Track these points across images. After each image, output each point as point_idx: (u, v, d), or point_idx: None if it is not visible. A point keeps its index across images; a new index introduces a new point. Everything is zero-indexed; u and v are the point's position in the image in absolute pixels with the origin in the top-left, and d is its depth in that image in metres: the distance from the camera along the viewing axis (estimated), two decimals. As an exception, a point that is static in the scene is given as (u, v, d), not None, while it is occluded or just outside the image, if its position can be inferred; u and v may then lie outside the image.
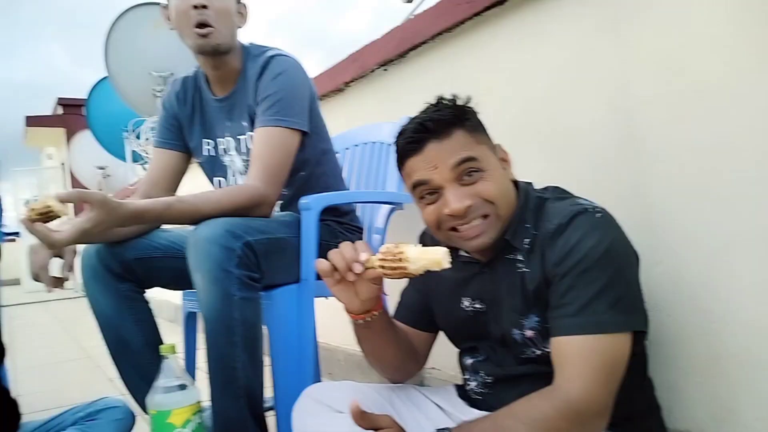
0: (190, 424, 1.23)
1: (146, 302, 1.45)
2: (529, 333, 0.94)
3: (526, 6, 1.40)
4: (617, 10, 1.20)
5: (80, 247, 1.32)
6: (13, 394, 1.29)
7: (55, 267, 1.28)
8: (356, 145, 1.89)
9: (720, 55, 1.04)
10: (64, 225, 1.18)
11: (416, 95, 1.77)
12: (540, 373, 0.92)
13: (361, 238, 1.64)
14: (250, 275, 1.23)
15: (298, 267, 1.38)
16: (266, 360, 1.31)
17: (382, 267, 0.87)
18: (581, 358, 0.84)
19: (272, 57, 1.44)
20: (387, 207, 1.67)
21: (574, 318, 0.86)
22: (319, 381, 1.38)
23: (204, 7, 1.37)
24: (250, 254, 1.23)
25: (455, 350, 1.14)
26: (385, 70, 1.90)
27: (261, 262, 1.26)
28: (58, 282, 1.28)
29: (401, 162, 0.99)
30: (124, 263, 1.38)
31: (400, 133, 0.98)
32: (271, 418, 1.33)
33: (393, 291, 1.24)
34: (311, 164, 1.53)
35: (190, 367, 1.70)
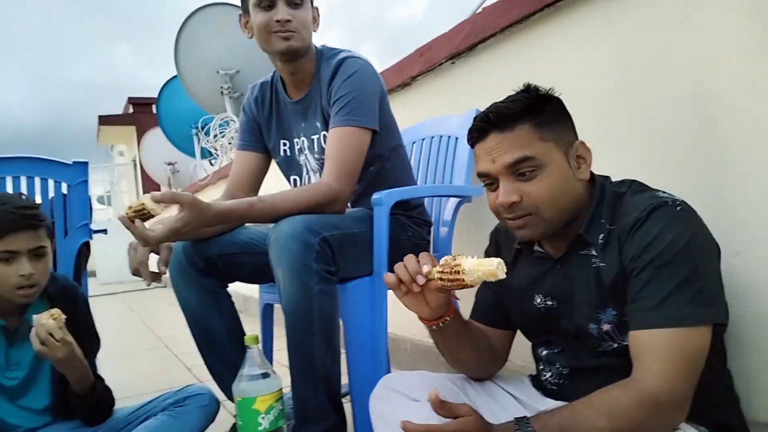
0: (273, 410, 1.30)
1: (229, 296, 1.53)
2: (606, 327, 0.95)
3: (597, -4, 1.39)
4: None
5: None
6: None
7: (152, 262, 1.37)
8: (423, 139, 1.92)
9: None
10: (156, 224, 1.27)
11: (485, 88, 1.79)
12: (617, 365, 0.92)
13: (429, 232, 1.66)
14: (327, 269, 1.29)
15: (371, 260, 1.42)
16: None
17: (441, 279, 0.90)
18: (661, 351, 0.84)
19: (344, 59, 1.49)
20: (455, 200, 1.69)
21: (654, 311, 0.86)
22: (389, 370, 1.42)
23: (288, 21, 1.44)
24: (326, 249, 1.28)
25: (525, 341, 1.15)
26: (453, 63, 1.91)
27: (336, 256, 1.31)
28: (156, 276, 1.37)
29: (472, 146, 1.02)
30: (208, 259, 1.45)
31: (474, 119, 1.01)
32: (347, 404, 1.38)
33: (466, 293, 1.26)
34: (381, 160, 1.57)
35: (267, 356, 1.78)
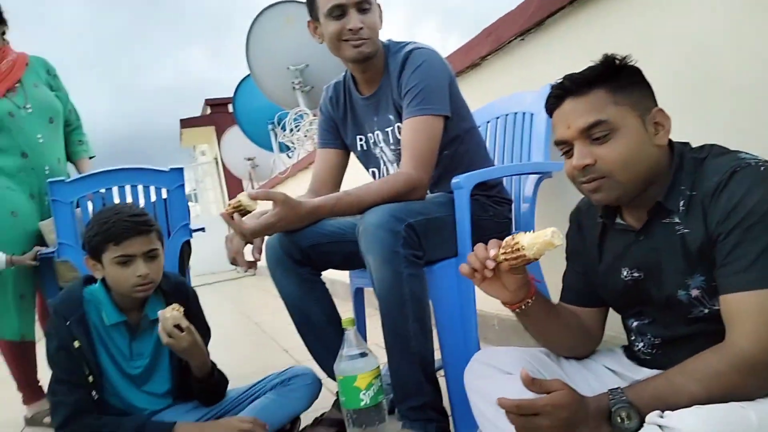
0: (373, 386, 1.38)
1: (323, 283, 1.62)
2: (695, 293, 0.95)
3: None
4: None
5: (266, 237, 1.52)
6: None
7: (248, 251, 1.49)
8: (497, 118, 1.93)
9: None
10: (252, 219, 1.38)
11: (556, 63, 1.78)
12: (710, 331, 0.92)
13: (510, 210, 1.69)
14: (415, 253, 1.35)
15: (455, 242, 1.47)
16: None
17: (506, 259, 0.96)
18: (753, 313, 0.84)
19: (410, 51, 1.54)
20: (535, 176, 1.70)
21: (744, 274, 0.86)
22: (479, 347, 1.47)
23: (360, 29, 1.49)
24: (412, 234, 1.35)
25: (614, 313, 1.16)
26: (522, 40, 1.91)
27: (422, 241, 1.37)
28: (251, 264, 1.49)
29: (549, 115, 1.05)
30: (302, 250, 1.55)
31: (551, 87, 1.03)
32: (441, 380, 1.44)
33: (554, 277, 1.28)
34: (455, 143, 1.60)
35: (361, 336, 1.87)
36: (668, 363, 0.92)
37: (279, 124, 5.55)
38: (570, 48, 1.73)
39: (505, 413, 0.88)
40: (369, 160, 1.72)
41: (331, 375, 1.53)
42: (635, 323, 1.09)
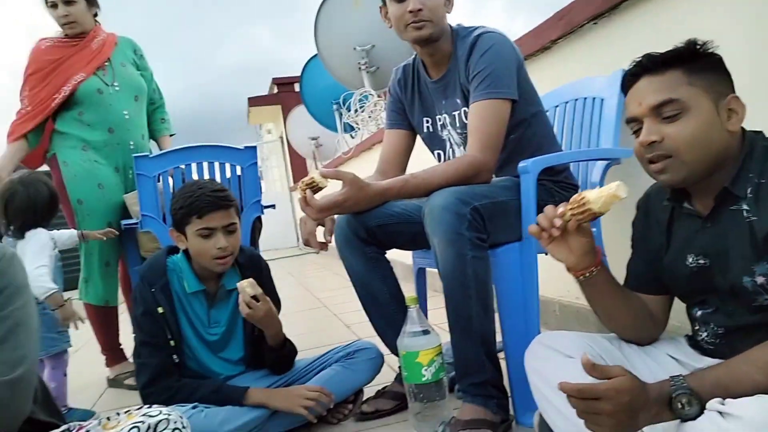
0: (435, 363, 1.43)
1: (388, 262, 1.68)
2: (760, 279, 0.94)
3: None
4: None
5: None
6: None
7: (320, 233, 1.56)
8: (566, 102, 1.92)
9: None
10: (322, 198, 1.45)
11: (630, 47, 1.75)
12: None
13: (576, 195, 1.69)
14: (479, 236, 1.38)
15: (519, 226, 1.49)
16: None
17: (573, 215, 1.01)
18: None
19: (479, 36, 1.55)
20: (603, 162, 1.69)
21: None
22: (539, 331, 1.49)
23: (420, 10, 1.52)
24: (477, 217, 1.38)
25: (678, 302, 1.15)
26: (595, 24, 1.88)
27: (487, 224, 1.40)
28: (323, 245, 1.56)
29: (625, 93, 1.06)
30: (368, 230, 1.61)
31: (630, 65, 1.04)
32: (501, 360, 1.48)
33: (617, 263, 1.29)
34: (522, 127, 1.61)
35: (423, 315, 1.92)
36: (731, 353, 0.92)
37: (344, 105, 5.62)
38: (644, 33, 1.70)
39: (566, 397, 0.89)
40: (434, 142, 1.75)
41: (394, 350, 1.59)
42: (699, 312, 1.09)
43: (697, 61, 0.97)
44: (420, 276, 1.91)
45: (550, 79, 2.06)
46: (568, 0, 1.95)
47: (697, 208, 1.04)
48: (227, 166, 2.34)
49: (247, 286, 1.50)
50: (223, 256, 1.56)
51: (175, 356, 1.56)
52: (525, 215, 1.49)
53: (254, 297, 1.50)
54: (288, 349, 1.67)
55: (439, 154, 1.76)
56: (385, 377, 1.78)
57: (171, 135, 2.71)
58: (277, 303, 1.68)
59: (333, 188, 1.44)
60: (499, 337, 1.47)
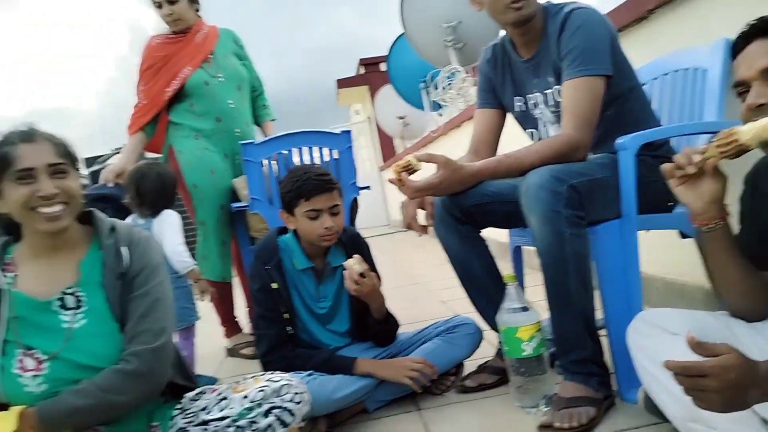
0: (534, 339, 1.48)
1: (483, 240, 1.72)
2: None
3: None
4: None
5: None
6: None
7: (421, 217, 1.63)
8: (665, 74, 1.86)
9: None
10: (418, 180, 1.51)
11: (734, 15, 1.67)
12: None
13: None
14: (577, 214, 1.39)
15: (618, 203, 1.49)
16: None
17: (718, 147, 0.97)
18: None
19: (570, 12, 1.54)
20: (707, 136, 1.64)
21: None
22: (641, 308, 1.48)
23: None
24: (575, 195, 1.39)
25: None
26: (695, -9, 1.81)
27: (585, 202, 1.41)
28: (424, 229, 1.64)
29: (734, 57, 1.04)
30: (464, 209, 1.66)
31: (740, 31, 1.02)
32: (602, 337, 1.49)
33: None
34: (618, 102, 1.59)
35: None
36: None
37: (431, 83, 5.63)
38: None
39: (672, 375, 0.88)
40: (527, 121, 1.76)
41: (493, 326, 1.65)
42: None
43: None
44: (517, 254, 1.94)
45: (647, 50, 2.00)
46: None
47: None
48: (325, 150, 2.46)
49: (355, 264, 1.61)
50: (329, 235, 1.67)
51: (289, 328, 1.69)
52: (624, 192, 1.48)
53: (361, 274, 1.60)
54: (391, 322, 1.77)
55: (531, 133, 1.77)
56: (484, 351, 1.84)
57: (272, 120, 2.86)
58: (378, 279, 1.77)
59: (427, 172, 1.50)
60: (599, 315, 1.49)
